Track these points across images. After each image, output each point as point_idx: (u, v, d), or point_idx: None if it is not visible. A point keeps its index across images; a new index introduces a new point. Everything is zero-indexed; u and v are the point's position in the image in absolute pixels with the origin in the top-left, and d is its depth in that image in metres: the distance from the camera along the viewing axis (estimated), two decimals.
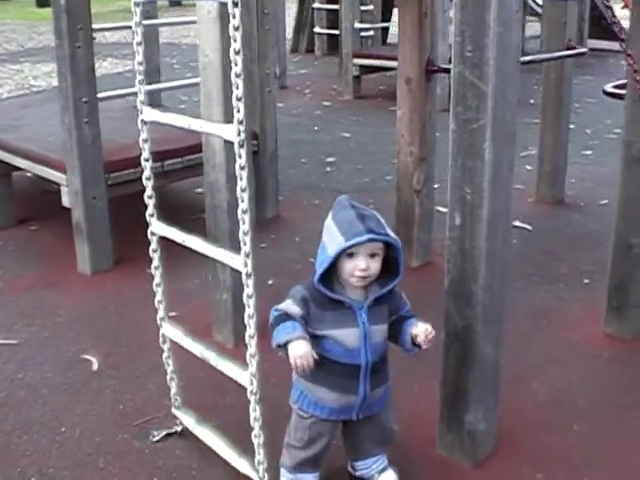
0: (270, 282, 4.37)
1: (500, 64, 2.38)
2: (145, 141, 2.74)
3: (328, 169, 6.74)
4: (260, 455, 2.57)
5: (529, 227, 5.18)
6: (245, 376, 2.51)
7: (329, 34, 12.79)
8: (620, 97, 3.60)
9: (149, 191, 2.77)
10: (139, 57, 2.64)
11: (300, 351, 2.33)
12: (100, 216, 4.51)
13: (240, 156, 2.33)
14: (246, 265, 2.40)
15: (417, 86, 4.25)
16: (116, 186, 4.53)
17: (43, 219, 5.44)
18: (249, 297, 2.42)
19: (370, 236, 2.32)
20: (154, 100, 6.10)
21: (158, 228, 2.78)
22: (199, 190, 5.41)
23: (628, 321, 3.73)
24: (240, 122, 2.31)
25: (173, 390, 3.03)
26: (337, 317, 2.41)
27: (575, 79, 9.44)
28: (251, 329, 2.44)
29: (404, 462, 2.84)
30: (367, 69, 9.67)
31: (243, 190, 2.35)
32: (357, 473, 2.74)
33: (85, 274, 4.56)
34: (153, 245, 2.83)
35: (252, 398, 2.52)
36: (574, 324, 3.90)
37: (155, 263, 2.86)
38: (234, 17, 2.23)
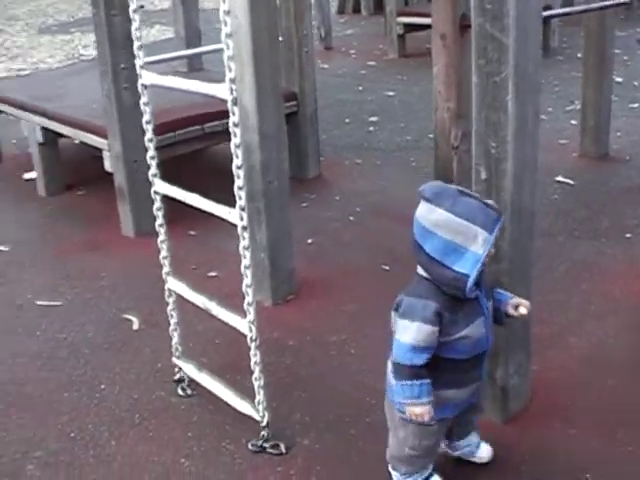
0: (309, 241, 4.41)
1: (520, 16, 2.35)
2: (146, 104, 2.86)
3: (371, 128, 6.71)
4: (260, 395, 2.71)
5: (571, 182, 5.12)
6: (244, 324, 2.63)
7: None
8: None
9: (151, 152, 2.88)
10: (137, 43, 2.92)
11: (418, 414, 2.29)
12: (141, 179, 4.57)
13: (234, 113, 2.43)
14: (242, 218, 2.51)
15: (452, 42, 4.19)
16: (156, 150, 4.57)
17: (90, 184, 5.53)
18: (245, 249, 2.54)
19: (502, 217, 2.27)
20: (195, 65, 6.13)
21: (161, 187, 2.88)
22: None
23: None
24: (232, 80, 2.40)
25: (175, 340, 3.13)
26: (468, 315, 2.31)
27: (624, 31, 9.30)
28: (248, 279, 2.57)
29: None
30: (412, 27, 9.51)
31: (237, 146, 2.45)
32: (457, 453, 2.68)
33: (129, 237, 4.65)
34: (157, 204, 2.92)
35: (252, 344, 2.65)
36: (614, 278, 3.86)
37: (159, 221, 2.96)
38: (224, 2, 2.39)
